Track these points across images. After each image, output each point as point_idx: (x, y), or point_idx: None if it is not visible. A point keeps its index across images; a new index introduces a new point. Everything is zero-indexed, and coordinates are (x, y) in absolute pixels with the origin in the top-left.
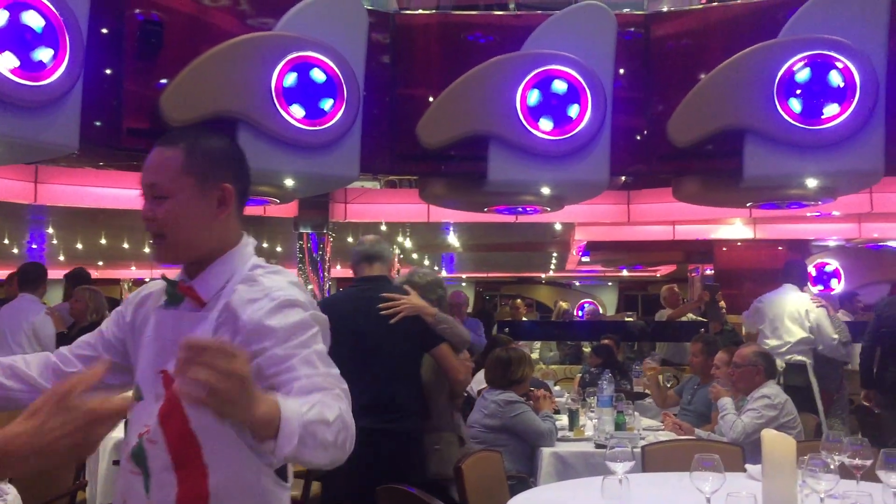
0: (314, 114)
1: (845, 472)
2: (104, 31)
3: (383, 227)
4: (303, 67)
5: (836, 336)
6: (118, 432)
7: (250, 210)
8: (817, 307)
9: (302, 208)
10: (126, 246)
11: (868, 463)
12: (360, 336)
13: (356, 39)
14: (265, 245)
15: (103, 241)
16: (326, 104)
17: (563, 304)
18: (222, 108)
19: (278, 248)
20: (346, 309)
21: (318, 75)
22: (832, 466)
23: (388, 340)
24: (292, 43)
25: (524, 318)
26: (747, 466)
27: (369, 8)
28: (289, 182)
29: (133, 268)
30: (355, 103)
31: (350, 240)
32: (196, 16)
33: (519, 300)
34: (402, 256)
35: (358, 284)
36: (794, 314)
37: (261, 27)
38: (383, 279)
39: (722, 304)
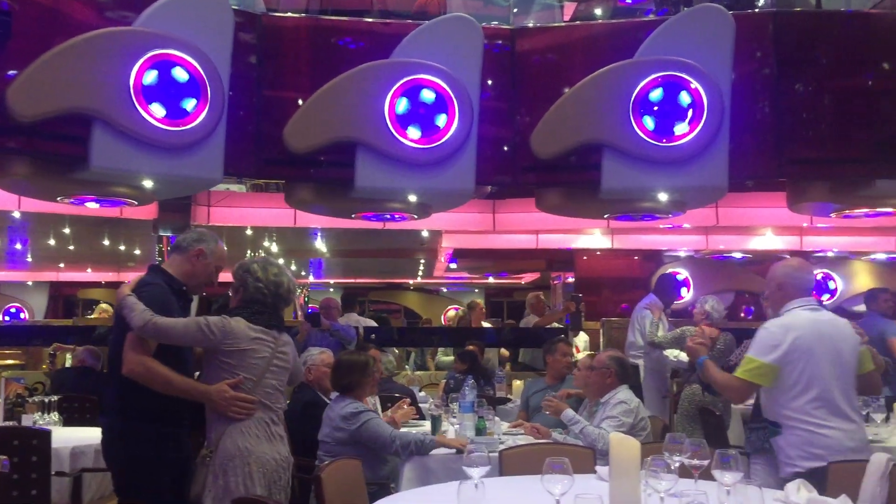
0: (175, 113)
1: (686, 472)
2: None
3: (248, 232)
4: (164, 65)
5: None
6: None
7: (106, 212)
8: (643, 311)
9: (162, 210)
10: None
11: (705, 463)
12: None
13: (221, 39)
14: (122, 248)
15: None
16: (189, 104)
17: (459, 311)
18: (76, 105)
19: (136, 251)
20: None
21: (180, 74)
22: (672, 467)
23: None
24: (153, 39)
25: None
26: (597, 468)
27: (235, 7)
28: (147, 184)
29: None
30: (220, 104)
31: None
32: (50, 6)
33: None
34: None
35: None
36: (632, 320)
37: (120, 21)
38: (149, 269)
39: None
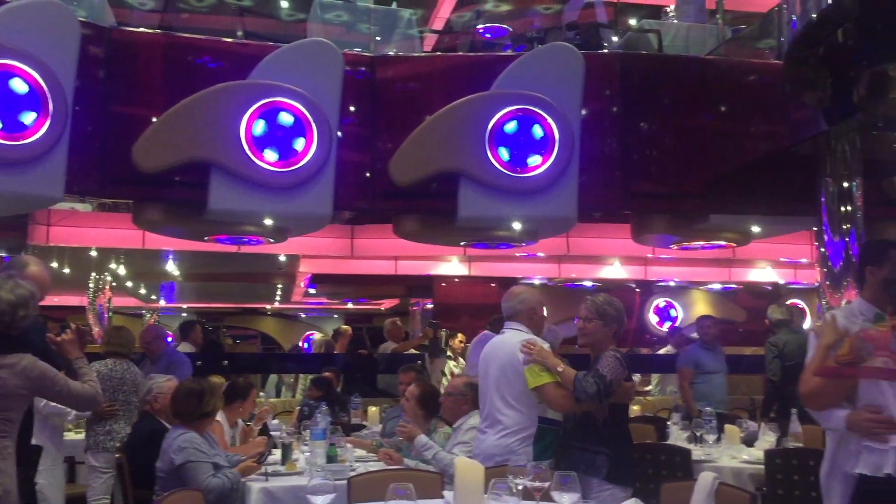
0: (12, 127)
1: (529, 495)
2: None
3: (93, 253)
4: (1, 76)
5: None
6: None
7: None
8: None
9: None
10: None
11: (546, 485)
12: None
13: (66, 50)
14: None
15: None
16: (27, 117)
17: (322, 336)
18: None
19: None
20: None
21: (18, 86)
22: (514, 490)
23: None
24: None
25: None
26: (444, 493)
27: (83, 19)
28: None
29: None
30: (62, 118)
31: (54, 265)
32: None
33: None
34: (115, 285)
35: None
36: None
37: None
38: None
39: (461, 338)
